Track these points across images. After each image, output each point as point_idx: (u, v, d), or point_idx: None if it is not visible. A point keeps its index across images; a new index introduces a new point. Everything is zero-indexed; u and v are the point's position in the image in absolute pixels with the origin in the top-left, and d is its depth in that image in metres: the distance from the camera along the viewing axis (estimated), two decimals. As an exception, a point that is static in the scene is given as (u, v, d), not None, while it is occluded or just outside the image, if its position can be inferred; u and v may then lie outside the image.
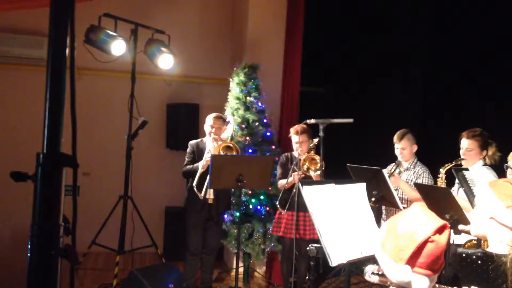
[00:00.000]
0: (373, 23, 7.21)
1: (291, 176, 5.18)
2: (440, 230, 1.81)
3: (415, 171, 4.79)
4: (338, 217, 2.69)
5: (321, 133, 3.98)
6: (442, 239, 1.81)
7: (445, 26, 7.42)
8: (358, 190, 2.85)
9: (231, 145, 5.12)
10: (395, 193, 4.37)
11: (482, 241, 3.15)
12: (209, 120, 5.37)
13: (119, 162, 6.10)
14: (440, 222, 1.85)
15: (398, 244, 1.82)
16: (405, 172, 4.83)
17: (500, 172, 4.38)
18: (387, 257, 1.85)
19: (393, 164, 4.94)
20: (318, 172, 4.83)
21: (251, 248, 6.05)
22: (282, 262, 5.64)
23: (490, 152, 4.42)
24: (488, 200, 2.23)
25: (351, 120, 4.02)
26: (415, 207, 1.91)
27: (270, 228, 5.92)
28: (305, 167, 4.95)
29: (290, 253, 5.41)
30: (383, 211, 4.93)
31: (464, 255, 2.21)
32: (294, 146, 5.25)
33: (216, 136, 5.22)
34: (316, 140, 4.81)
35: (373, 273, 1.99)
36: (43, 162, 1.24)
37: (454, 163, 4.48)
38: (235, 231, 6.03)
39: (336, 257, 2.56)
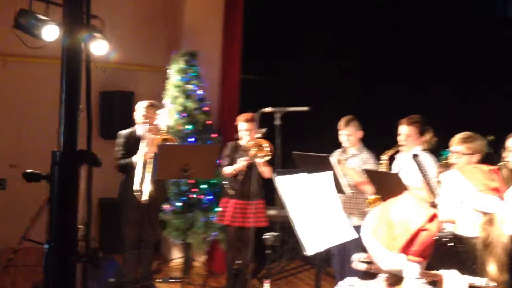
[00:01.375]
0: (315, 8, 7.28)
1: (238, 164, 5.16)
2: (431, 219, 1.86)
3: (361, 157, 4.90)
4: (310, 206, 2.72)
5: (277, 122, 3.98)
6: (433, 227, 1.86)
7: (383, 13, 7.66)
8: (326, 179, 2.89)
9: (168, 138, 5.02)
10: (342, 179, 4.46)
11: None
12: (140, 109, 5.17)
13: (50, 153, 5.79)
14: (431, 210, 1.90)
15: (392, 233, 1.85)
16: (352, 159, 4.93)
17: (436, 156, 4.62)
18: (380, 246, 1.88)
19: (339, 150, 5.03)
20: (267, 158, 4.84)
21: (193, 238, 6.01)
22: (227, 251, 5.65)
23: (427, 138, 4.61)
24: (459, 186, 2.32)
25: (306, 108, 4.05)
26: (406, 197, 1.95)
27: (212, 217, 5.90)
28: (252, 152, 4.92)
29: (235, 242, 5.45)
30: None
31: (433, 238, 2.30)
32: (241, 134, 5.21)
33: (152, 127, 5.08)
34: (263, 130, 4.79)
35: (360, 260, 2.01)
36: (60, 161, 1.14)
37: (394, 149, 4.65)
38: (176, 221, 5.96)
39: (311, 246, 2.58)
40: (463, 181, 2.30)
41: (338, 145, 5.04)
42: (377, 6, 7.57)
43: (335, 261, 5.07)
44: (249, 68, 6.86)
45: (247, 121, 5.14)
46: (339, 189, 4.44)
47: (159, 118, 5.20)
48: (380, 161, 4.66)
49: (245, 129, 5.16)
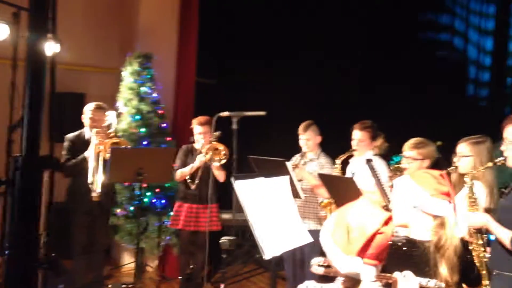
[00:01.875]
0: (271, 13, 7.34)
1: (196, 162, 5.11)
2: (386, 222, 1.91)
3: (319, 162, 4.98)
4: (268, 211, 2.74)
5: (234, 126, 3.98)
6: (388, 230, 1.92)
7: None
8: (283, 183, 2.92)
9: (119, 141, 4.95)
10: (297, 184, 4.51)
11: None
12: (88, 112, 5.07)
13: (-2, 157, 5.59)
14: (386, 214, 1.95)
15: (349, 237, 1.89)
16: (310, 163, 5.00)
17: (388, 161, 4.75)
18: (338, 249, 1.92)
19: (298, 155, 5.10)
20: (223, 162, 4.83)
21: (146, 243, 5.94)
22: (180, 255, 5.62)
23: (379, 143, 4.73)
24: (410, 191, 2.39)
25: (263, 112, 4.07)
26: (362, 201, 1.99)
27: (166, 221, 5.84)
28: (207, 156, 4.89)
29: (189, 246, 5.42)
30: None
31: (389, 242, 2.36)
32: (196, 137, 5.20)
33: (99, 130, 4.98)
34: (217, 133, 4.79)
35: (319, 265, 2.05)
36: (23, 166, 1.11)
37: (348, 154, 4.74)
38: (128, 226, 5.88)
39: (270, 250, 2.60)
40: (415, 186, 2.37)
41: (297, 149, 5.10)
42: (328, 7, 7.69)
43: (287, 264, 5.11)
44: (204, 71, 6.85)
45: (202, 124, 5.14)
46: (295, 193, 4.49)
47: (107, 121, 5.10)
48: (335, 165, 4.75)
49: (200, 132, 5.16)
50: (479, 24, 9.02)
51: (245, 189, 2.66)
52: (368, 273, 1.92)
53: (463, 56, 9.06)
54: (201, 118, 5.19)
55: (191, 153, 5.30)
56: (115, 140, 4.90)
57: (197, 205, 5.20)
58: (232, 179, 2.65)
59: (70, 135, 5.13)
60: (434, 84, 7.91)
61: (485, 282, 2.97)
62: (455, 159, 3.65)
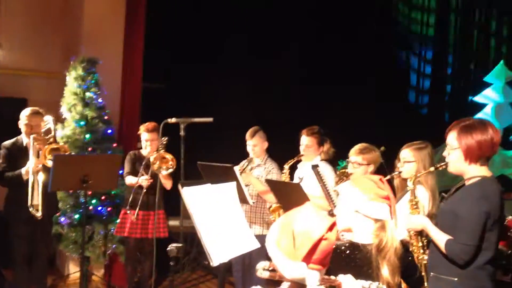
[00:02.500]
0: (218, 19, 7.35)
1: (139, 178, 5.07)
2: (330, 228, 1.95)
3: (265, 167, 5.01)
4: (215, 217, 2.74)
5: (181, 132, 3.96)
6: (333, 236, 1.95)
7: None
8: (230, 189, 2.92)
9: (58, 147, 4.82)
10: (245, 189, 4.53)
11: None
12: (23, 118, 4.92)
13: None
14: (330, 220, 1.98)
15: (294, 243, 1.91)
16: (257, 168, 5.03)
17: (334, 165, 4.84)
18: (282, 255, 1.93)
19: (245, 160, 5.12)
20: (170, 170, 4.80)
21: (91, 251, 5.81)
22: (126, 263, 5.53)
23: (325, 148, 4.81)
24: (352, 195, 2.45)
25: (211, 119, 4.06)
26: (307, 207, 2.02)
27: (112, 229, 5.73)
28: (155, 166, 4.84)
29: (135, 253, 5.35)
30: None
31: (333, 246, 2.40)
32: (144, 144, 5.15)
33: (37, 136, 4.84)
34: (165, 139, 4.75)
35: (264, 269, 2.06)
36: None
37: (295, 159, 4.80)
38: (73, 234, 5.74)
39: (217, 256, 2.60)
40: (356, 191, 2.43)
41: (245, 155, 5.13)
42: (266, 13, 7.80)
43: (236, 270, 5.12)
44: (152, 76, 6.78)
45: (150, 131, 5.09)
46: (243, 199, 4.51)
47: (45, 126, 4.96)
48: (283, 170, 4.79)
49: (147, 139, 5.12)
50: (420, 32, 9.36)
51: (192, 196, 2.65)
52: (313, 278, 1.94)
53: (406, 64, 9.36)
54: (148, 125, 5.14)
55: (138, 160, 5.23)
56: (54, 145, 4.76)
57: (143, 212, 5.13)
58: (179, 186, 2.64)
59: (6, 143, 4.98)
60: (379, 90, 8.14)
61: (425, 284, 3.07)
62: (398, 165, 3.76)
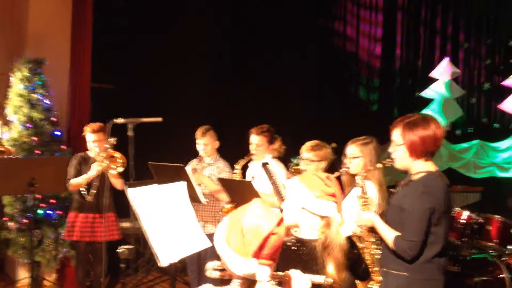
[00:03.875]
0: (166, 18, 7.30)
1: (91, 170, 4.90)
2: (279, 223, 1.97)
3: (217, 166, 5.00)
4: (164, 217, 2.72)
5: (130, 133, 3.90)
6: (281, 230, 1.97)
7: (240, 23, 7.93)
8: (179, 189, 2.91)
9: (3, 149, 4.69)
10: (197, 188, 4.51)
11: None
12: None
13: None
14: (279, 215, 2.01)
15: (244, 239, 1.92)
16: (208, 168, 5.01)
17: (286, 163, 4.87)
18: (233, 252, 1.94)
19: (195, 159, 5.09)
20: (120, 170, 4.67)
21: (42, 256, 5.67)
22: (77, 267, 5.40)
23: (276, 146, 4.84)
24: (298, 192, 2.48)
25: (160, 119, 4.02)
26: (255, 203, 2.03)
27: (62, 233, 5.60)
28: (104, 165, 4.70)
29: (86, 257, 5.21)
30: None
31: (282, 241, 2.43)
32: (90, 145, 4.99)
33: None
34: (112, 139, 4.61)
35: (214, 268, 2.06)
36: None
37: (246, 159, 4.81)
38: (22, 239, 5.59)
39: (166, 257, 2.58)
40: (302, 188, 2.46)
41: (195, 154, 5.10)
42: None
43: (191, 270, 5.10)
44: (102, 77, 6.68)
45: (95, 131, 4.92)
46: (195, 198, 4.49)
47: None
48: (234, 170, 4.79)
49: (94, 140, 4.93)
50: (369, 31, 9.53)
51: (138, 197, 2.62)
52: (263, 273, 1.96)
53: (356, 61, 9.52)
54: (93, 125, 4.98)
55: (85, 162, 5.07)
56: None
57: (93, 215, 5.01)
58: (125, 187, 2.61)
59: None
60: (329, 88, 8.26)
61: (379, 278, 3.13)
62: (346, 161, 3.82)
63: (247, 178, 4.83)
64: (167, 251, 2.63)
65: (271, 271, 1.98)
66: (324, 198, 2.41)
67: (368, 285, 3.12)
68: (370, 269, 2.95)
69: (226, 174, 4.92)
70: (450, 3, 9.06)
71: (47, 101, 5.81)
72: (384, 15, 9.44)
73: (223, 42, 7.98)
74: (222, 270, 2.05)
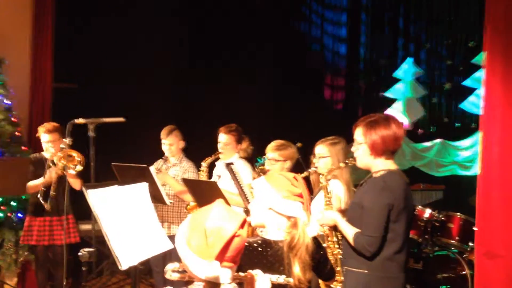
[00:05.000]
0: (128, 18, 7.22)
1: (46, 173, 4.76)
2: (242, 225, 1.96)
3: (181, 166, 4.96)
4: (124, 219, 2.68)
5: (91, 133, 3.82)
6: (244, 232, 1.96)
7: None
8: (140, 190, 2.87)
9: None
10: (162, 189, 4.47)
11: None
12: None
13: None
14: (242, 217, 1.99)
15: (207, 242, 1.90)
16: (173, 168, 4.97)
17: (252, 163, 4.88)
18: (194, 255, 1.92)
19: (160, 160, 5.04)
20: (79, 169, 4.48)
21: (2, 260, 5.52)
22: (37, 271, 5.29)
23: (244, 146, 4.84)
24: (265, 192, 2.47)
25: (122, 119, 3.95)
26: (218, 205, 2.01)
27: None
28: (60, 164, 4.46)
29: (45, 261, 5.11)
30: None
31: (245, 244, 2.42)
32: (45, 145, 4.84)
33: None
34: (68, 140, 4.41)
35: (173, 270, 2.04)
36: None
37: (213, 156, 4.79)
38: (-20, 243, 5.44)
39: (126, 260, 2.54)
40: (269, 188, 2.44)
41: (160, 154, 5.06)
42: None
43: (156, 272, 5.05)
44: (64, 75, 6.56)
45: (50, 132, 4.78)
46: (160, 199, 4.44)
47: None
48: (201, 167, 4.76)
49: (48, 141, 4.79)
50: (333, 31, 9.63)
51: (97, 198, 2.58)
52: (225, 275, 1.95)
53: (321, 61, 9.60)
54: (48, 125, 4.85)
55: (40, 163, 4.91)
56: None
57: (50, 218, 4.89)
58: (83, 188, 2.55)
59: None
60: (294, 88, 8.30)
61: (340, 278, 3.15)
62: (314, 160, 3.85)
63: (213, 178, 4.82)
64: (128, 253, 2.59)
65: (232, 273, 1.97)
66: (291, 198, 2.40)
67: (332, 286, 3.14)
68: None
69: (191, 174, 4.89)
70: (411, 3, 9.22)
71: (7, 101, 5.67)
72: (348, 16, 9.55)
73: (186, 38, 7.96)
74: (182, 272, 2.03)
